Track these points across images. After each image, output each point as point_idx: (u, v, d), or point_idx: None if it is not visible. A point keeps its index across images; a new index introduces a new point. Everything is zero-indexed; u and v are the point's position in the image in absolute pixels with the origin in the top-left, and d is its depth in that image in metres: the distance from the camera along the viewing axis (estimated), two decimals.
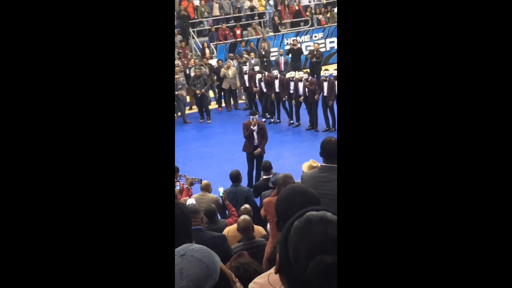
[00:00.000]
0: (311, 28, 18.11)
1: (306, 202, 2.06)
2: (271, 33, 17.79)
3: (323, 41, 17.66)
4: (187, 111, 14.10)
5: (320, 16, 18.49)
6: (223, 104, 14.58)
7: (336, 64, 15.10)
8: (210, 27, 17.38)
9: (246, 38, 16.87)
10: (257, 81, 13.04)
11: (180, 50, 15.17)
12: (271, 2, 18.63)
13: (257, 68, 13.47)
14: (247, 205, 5.90)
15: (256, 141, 9.27)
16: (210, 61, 14.83)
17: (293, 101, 12.37)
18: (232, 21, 17.89)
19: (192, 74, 13.62)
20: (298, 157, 9.54)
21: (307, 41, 17.26)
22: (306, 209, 1.25)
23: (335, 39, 17.36)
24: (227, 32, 16.97)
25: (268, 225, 4.93)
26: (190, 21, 17.24)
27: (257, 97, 13.29)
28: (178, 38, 15.95)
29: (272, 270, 1.31)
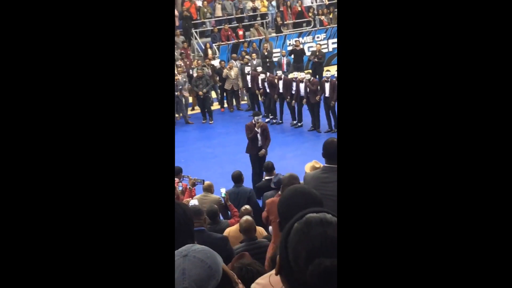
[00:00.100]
0: (313, 29, 18.10)
1: (308, 203, 2.05)
2: (274, 34, 17.79)
3: (325, 42, 17.64)
4: (189, 112, 14.11)
5: (323, 17, 18.49)
6: (225, 105, 14.57)
7: (336, 65, 15.09)
8: (212, 28, 17.38)
9: (248, 39, 16.87)
10: (259, 82, 13.03)
11: (182, 51, 15.18)
12: (274, 3, 18.63)
13: (259, 69, 13.47)
14: (247, 206, 5.90)
15: (260, 142, 9.27)
16: (213, 62, 14.84)
17: (293, 101, 12.36)
18: (235, 22, 17.89)
19: (195, 74, 13.62)
20: (300, 158, 9.54)
21: (309, 42, 17.25)
22: (306, 211, 1.25)
23: (337, 40, 17.34)
24: (229, 33, 16.97)
25: (270, 226, 4.94)
26: (192, 22, 17.25)
27: (260, 98, 13.28)
28: (180, 38, 15.96)
29: (273, 271, 1.31)
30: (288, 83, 12.39)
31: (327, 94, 11.58)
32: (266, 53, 15.64)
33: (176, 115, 13.52)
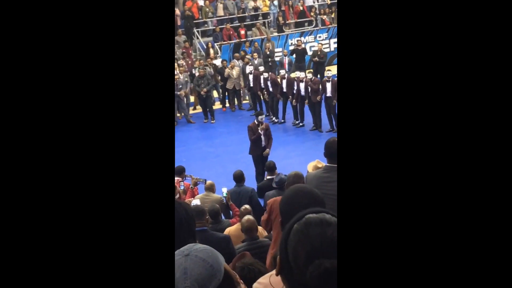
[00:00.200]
0: (315, 28, 18.10)
1: (310, 203, 2.05)
2: (276, 34, 17.79)
3: (327, 41, 17.64)
4: (191, 111, 14.12)
5: (325, 17, 18.49)
6: (227, 104, 14.58)
7: None
8: (214, 27, 17.39)
9: (250, 38, 16.87)
10: (262, 81, 13.02)
11: (184, 50, 15.19)
12: (276, 3, 18.63)
13: (261, 68, 13.46)
14: (247, 206, 5.89)
15: (263, 142, 9.27)
16: (214, 61, 14.84)
17: (294, 100, 12.36)
18: (237, 21, 17.90)
19: (197, 74, 13.63)
20: (302, 158, 9.54)
21: (311, 42, 17.25)
22: (305, 211, 1.25)
23: None
24: (231, 32, 16.98)
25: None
26: (194, 21, 17.25)
27: (262, 97, 13.28)
28: (182, 38, 15.97)
29: (274, 271, 1.31)
30: (291, 82, 12.39)
31: (328, 94, 11.57)
32: (268, 53, 15.64)
33: (178, 115, 13.53)
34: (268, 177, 7.37)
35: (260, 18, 18.47)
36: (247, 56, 14.57)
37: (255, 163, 9.33)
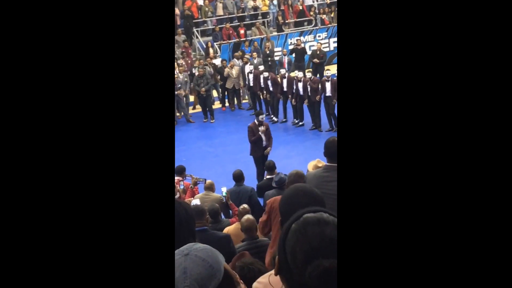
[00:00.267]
0: (314, 28, 18.09)
1: (310, 202, 2.05)
2: (275, 33, 17.79)
3: (326, 40, 17.64)
4: (190, 111, 14.11)
5: (324, 16, 18.49)
6: (227, 104, 14.58)
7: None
8: (213, 27, 17.38)
9: (249, 38, 16.87)
10: (262, 81, 13.02)
11: (183, 50, 15.18)
12: (275, 2, 18.62)
13: (261, 68, 13.45)
14: (245, 205, 5.89)
15: (264, 143, 9.26)
16: (214, 61, 14.84)
17: (293, 100, 12.36)
18: (236, 21, 17.89)
19: (197, 73, 13.63)
20: (302, 157, 9.54)
21: (310, 41, 17.25)
22: (302, 210, 1.25)
23: None
24: (230, 31, 16.97)
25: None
26: (193, 21, 17.25)
27: (262, 96, 13.27)
28: (181, 37, 15.97)
29: (273, 271, 1.31)
30: (291, 82, 12.39)
31: (327, 93, 11.57)
32: (268, 52, 15.63)
33: (177, 114, 13.53)
34: (268, 177, 7.36)
35: (260, 17, 18.47)
36: (245, 56, 14.56)
37: (256, 164, 9.31)
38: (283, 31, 17.89)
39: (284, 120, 12.98)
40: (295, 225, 1.21)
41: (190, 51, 15.95)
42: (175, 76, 12.97)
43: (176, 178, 7.08)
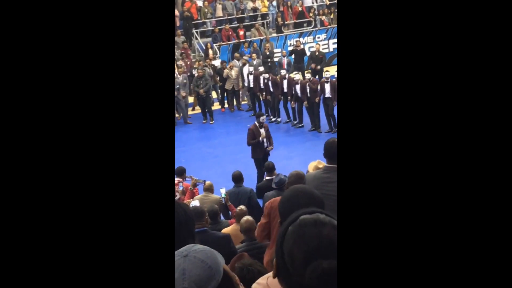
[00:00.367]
0: (314, 29, 18.11)
1: (309, 203, 2.05)
2: (274, 34, 17.80)
3: (326, 42, 17.65)
4: (190, 112, 14.12)
5: (323, 17, 18.50)
6: (226, 105, 14.58)
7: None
8: (213, 28, 17.39)
9: (249, 39, 16.88)
10: (262, 82, 13.01)
11: (183, 51, 15.18)
12: (274, 3, 18.63)
13: (261, 69, 13.46)
14: (242, 207, 5.88)
15: (265, 144, 9.24)
16: (213, 62, 14.84)
17: (292, 102, 12.36)
18: (235, 22, 17.90)
19: (196, 74, 13.63)
20: (301, 158, 9.55)
21: (310, 42, 17.26)
22: (298, 212, 1.24)
23: None
24: (230, 33, 16.98)
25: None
26: (193, 22, 17.25)
27: (261, 98, 13.26)
28: (181, 39, 15.97)
29: (271, 273, 1.30)
30: (292, 83, 12.39)
31: (327, 95, 11.58)
32: (268, 53, 15.63)
33: (176, 115, 13.53)
34: (267, 178, 7.36)
35: (259, 18, 18.48)
36: (244, 57, 14.56)
37: (257, 166, 9.29)
38: (282, 32, 17.90)
39: (288, 120, 12.96)
40: (292, 227, 1.20)
41: (189, 52, 15.95)
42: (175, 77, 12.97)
43: (176, 179, 7.07)
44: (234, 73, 13.93)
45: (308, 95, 11.86)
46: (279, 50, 16.69)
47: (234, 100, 14.50)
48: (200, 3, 17.86)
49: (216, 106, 14.50)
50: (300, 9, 18.74)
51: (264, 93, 13.05)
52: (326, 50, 17.22)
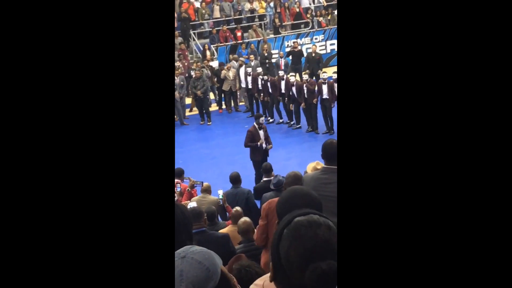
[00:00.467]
0: (311, 30, 18.12)
1: (307, 204, 2.04)
2: (272, 35, 17.81)
3: (323, 43, 17.67)
4: (187, 113, 14.11)
5: (321, 18, 18.52)
6: (224, 106, 14.58)
7: (335, 67, 15.11)
8: (210, 29, 17.39)
9: (246, 40, 16.88)
10: (260, 83, 13.01)
11: (180, 52, 15.17)
12: (272, 4, 18.65)
13: (259, 70, 13.45)
14: (238, 208, 5.87)
15: (264, 145, 9.22)
16: (211, 63, 14.84)
17: (291, 104, 12.36)
18: (233, 23, 17.90)
19: (193, 75, 13.63)
20: (298, 159, 9.55)
21: (307, 43, 17.27)
22: (292, 214, 1.23)
23: (335, 41, 17.37)
24: (227, 34, 16.98)
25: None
26: (190, 23, 17.25)
27: (260, 99, 13.26)
28: (178, 40, 15.96)
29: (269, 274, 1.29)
30: (288, 84, 12.39)
31: (324, 96, 11.58)
32: (266, 54, 15.64)
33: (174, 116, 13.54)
34: (265, 179, 7.36)
35: (257, 20, 18.49)
36: (240, 58, 14.56)
37: (255, 167, 9.26)
38: (280, 33, 17.91)
39: (281, 121, 12.96)
40: (287, 230, 1.19)
41: (187, 53, 15.95)
42: None
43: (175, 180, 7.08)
44: (231, 74, 13.93)
45: (306, 96, 11.86)
46: (276, 51, 16.69)
47: (232, 101, 14.50)
48: (197, 4, 17.86)
49: (213, 107, 14.50)
50: (297, 10, 18.76)
51: (262, 94, 13.05)
52: (324, 51, 17.24)
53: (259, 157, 9.14)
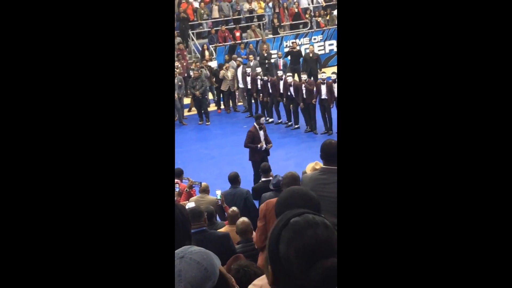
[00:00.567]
0: (310, 30, 18.12)
1: (306, 204, 2.04)
2: (270, 36, 17.80)
3: (322, 43, 17.67)
4: (186, 113, 14.10)
5: (319, 19, 18.52)
6: (222, 106, 14.57)
7: (334, 67, 15.12)
8: (209, 29, 17.39)
9: (245, 40, 16.88)
10: (259, 83, 13.00)
11: (178, 52, 15.16)
12: (270, 5, 18.65)
13: (258, 70, 13.45)
14: (234, 208, 5.87)
15: (264, 146, 9.22)
16: (210, 63, 14.83)
17: (291, 105, 12.36)
18: (232, 23, 17.90)
19: (192, 75, 13.62)
20: (297, 160, 9.55)
21: (306, 44, 17.27)
22: (287, 216, 1.22)
23: (334, 42, 17.39)
24: (226, 34, 16.98)
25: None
26: (189, 23, 17.24)
27: (259, 99, 13.25)
28: (177, 40, 15.95)
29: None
30: (286, 84, 12.40)
31: (323, 96, 11.59)
32: (265, 54, 15.63)
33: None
34: (263, 179, 7.36)
35: (255, 20, 18.49)
36: (238, 59, 14.56)
37: (254, 168, 9.24)
38: (278, 33, 17.91)
39: (287, 122, 12.95)
40: (285, 231, 1.18)
41: (185, 53, 15.94)
42: None
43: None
44: (230, 74, 13.92)
45: (304, 96, 11.86)
46: (275, 51, 16.69)
47: (230, 101, 14.49)
48: (196, 5, 17.85)
49: (212, 107, 14.49)
50: (296, 10, 18.76)
51: (261, 94, 13.05)
52: (322, 52, 17.24)
53: (258, 158, 9.13)
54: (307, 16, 18.83)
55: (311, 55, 15.20)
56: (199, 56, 16.34)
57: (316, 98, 11.74)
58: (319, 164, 4.83)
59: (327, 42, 17.76)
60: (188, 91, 13.99)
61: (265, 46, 15.91)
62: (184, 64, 14.93)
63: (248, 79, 13.46)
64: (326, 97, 11.52)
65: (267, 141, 9.34)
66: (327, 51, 17.66)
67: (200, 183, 7.09)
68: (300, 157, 9.61)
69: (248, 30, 17.59)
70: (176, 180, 7.17)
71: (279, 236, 1.18)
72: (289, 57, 15.76)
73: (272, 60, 16.01)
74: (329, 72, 12.90)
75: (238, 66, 14.06)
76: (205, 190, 6.90)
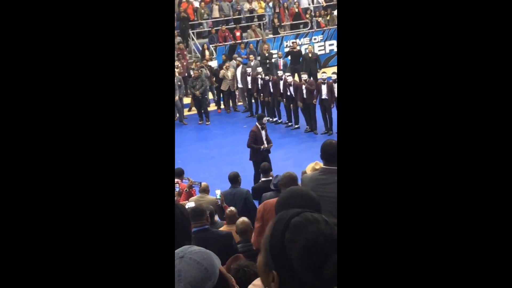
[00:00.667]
0: (310, 30, 18.12)
1: (306, 205, 2.04)
2: (271, 35, 17.80)
3: (322, 43, 17.67)
4: (186, 113, 14.10)
5: (320, 19, 18.52)
6: (222, 106, 14.57)
7: (334, 67, 15.11)
8: (209, 29, 17.39)
9: (245, 40, 16.88)
10: (259, 83, 13.00)
11: (179, 52, 15.16)
12: (271, 5, 18.64)
13: (259, 70, 13.44)
14: (232, 208, 5.87)
15: (266, 145, 9.21)
16: (210, 63, 14.83)
17: (291, 105, 12.36)
18: (232, 23, 17.90)
19: (192, 75, 13.62)
20: (297, 160, 9.55)
21: (306, 44, 17.27)
22: (285, 217, 1.19)
23: (334, 42, 17.38)
24: (226, 34, 16.98)
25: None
26: (189, 23, 17.24)
27: (259, 99, 13.24)
28: (177, 39, 15.95)
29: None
30: (285, 84, 12.39)
31: (323, 96, 11.59)
32: (266, 54, 15.63)
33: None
34: (263, 179, 7.36)
35: (256, 20, 18.49)
36: (238, 58, 14.55)
37: (255, 168, 9.23)
38: (279, 33, 17.91)
39: (287, 122, 12.95)
40: (289, 233, 1.15)
41: (185, 53, 15.94)
42: None
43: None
44: (230, 73, 13.92)
45: (305, 96, 11.85)
46: (275, 51, 16.69)
47: (230, 101, 14.49)
48: (196, 4, 17.85)
49: (212, 107, 14.49)
50: (296, 10, 18.76)
51: (261, 94, 13.04)
52: (323, 52, 17.24)
53: (259, 157, 9.12)
54: (307, 16, 18.83)
55: (310, 55, 15.20)
56: (199, 55, 16.34)
57: (317, 98, 11.74)
58: (319, 164, 4.83)
59: (328, 42, 17.76)
60: (188, 91, 13.99)
61: (265, 46, 15.91)
62: (184, 63, 14.93)
63: (249, 79, 13.45)
64: (327, 97, 11.52)
65: (268, 141, 9.34)
66: (327, 51, 17.66)
67: (200, 183, 7.10)
68: (300, 157, 9.61)
69: (248, 30, 17.59)
70: (176, 180, 7.18)
71: (283, 239, 1.15)
72: (289, 57, 15.76)
73: (273, 60, 16.01)
74: (330, 72, 12.90)
75: (237, 65, 14.06)
76: (205, 190, 6.90)
